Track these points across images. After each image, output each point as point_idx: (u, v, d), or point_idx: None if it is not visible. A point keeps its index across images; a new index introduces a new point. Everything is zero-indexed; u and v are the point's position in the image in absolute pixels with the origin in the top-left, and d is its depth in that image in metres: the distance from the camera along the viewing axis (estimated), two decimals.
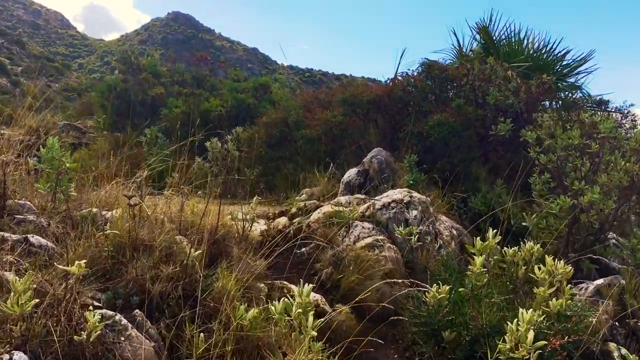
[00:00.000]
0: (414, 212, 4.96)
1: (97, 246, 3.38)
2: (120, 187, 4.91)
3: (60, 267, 2.78)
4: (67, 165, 4.14)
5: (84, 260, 2.79)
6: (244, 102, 10.78)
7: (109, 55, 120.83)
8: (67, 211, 3.89)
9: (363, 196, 5.51)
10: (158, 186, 9.61)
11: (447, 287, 3.71)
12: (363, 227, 4.84)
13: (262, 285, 4.04)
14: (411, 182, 5.56)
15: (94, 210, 4.17)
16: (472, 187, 5.95)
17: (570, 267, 3.77)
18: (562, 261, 3.76)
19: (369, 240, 4.69)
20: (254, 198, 4.46)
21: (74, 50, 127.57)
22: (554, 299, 3.54)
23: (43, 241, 3.47)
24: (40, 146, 4.47)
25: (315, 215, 5.04)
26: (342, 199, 5.55)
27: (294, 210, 5.37)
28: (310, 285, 3.09)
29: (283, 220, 5.09)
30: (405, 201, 5.02)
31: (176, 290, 3.21)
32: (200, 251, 3.42)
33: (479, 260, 3.83)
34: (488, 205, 5.83)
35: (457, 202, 5.68)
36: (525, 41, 7.97)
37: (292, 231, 4.92)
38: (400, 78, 6.95)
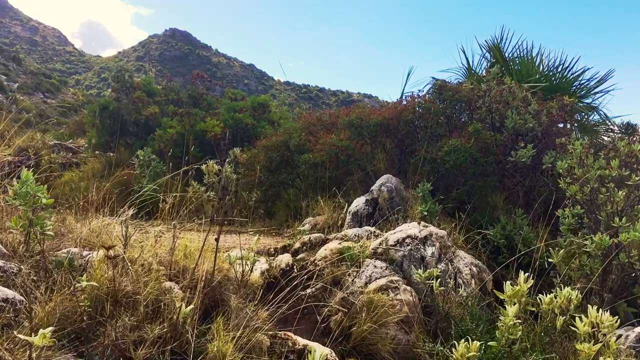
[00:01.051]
0: (431, 249, 4.49)
1: (71, 300, 2.89)
2: (105, 221, 4.44)
3: (21, 336, 2.29)
4: (44, 201, 3.64)
5: (51, 327, 2.30)
6: (241, 122, 10.35)
7: (106, 71, 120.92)
8: (41, 254, 3.39)
9: (373, 229, 5.04)
10: (150, 212, 9.06)
11: (478, 344, 3.23)
12: (375, 266, 4.36)
13: (264, 337, 3.54)
14: (425, 212, 5.09)
15: (74, 250, 3.68)
16: (489, 217, 5.49)
17: (617, 318, 3.30)
18: (607, 312, 3.29)
19: (382, 281, 4.20)
20: (255, 238, 3.96)
21: (71, 66, 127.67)
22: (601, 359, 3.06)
23: (10, 293, 2.97)
24: (15, 178, 4.00)
25: (321, 252, 4.56)
26: (350, 231, 5.07)
27: (297, 245, 4.88)
28: (325, 350, 2.61)
29: (286, 257, 4.60)
30: (421, 237, 4.54)
31: (163, 355, 2.71)
32: (192, 306, 2.93)
33: (511, 310, 3.35)
34: (507, 238, 5.37)
35: (475, 234, 5.21)
36: (539, 59, 7.58)
37: (296, 270, 4.43)
38: (408, 98, 6.53)
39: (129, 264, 3.16)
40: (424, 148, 5.65)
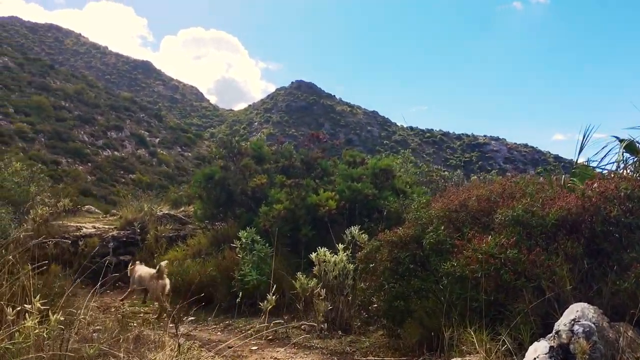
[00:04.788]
0: None
1: None
2: None
3: None
4: None
5: None
6: (360, 193, 8.69)
7: (237, 123, 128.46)
8: None
9: None
10: (254, 304, 7.46)
11: None
12: None
13: None
14: None
15: None
16: None
17: None
18: None
19: None
20: None
21: (206, 120, 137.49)
22: None
23: None
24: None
25: None
26: None
27: None
28: None
29: None
30: None
31: None
32: None
33: None
34: None
35: None
36: None
37: None
38: (603, 175, 4.39)
39: None
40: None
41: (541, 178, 7.46)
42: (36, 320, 3.79)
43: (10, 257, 7.87)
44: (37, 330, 3.71)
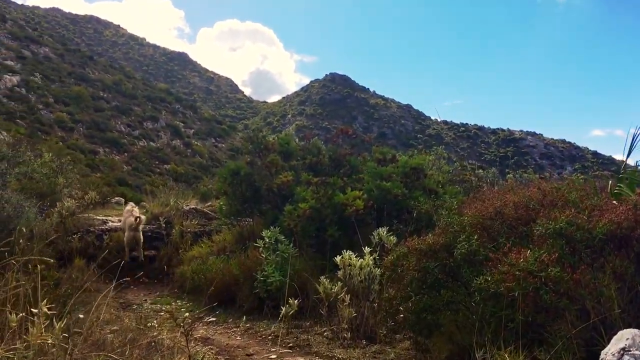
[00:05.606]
0: None
1: None
2: None
3: None
4: None
5: None
6: (389, 193, 8.31)
7: (271, 115, 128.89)
8: None
9: None
10: (278, 306, 7.30)
11: None
12: None
13: None
14: None
15: None
16: None
17: None
18: None
19: None
20: None
21: (240, 112, 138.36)
22: None
23: None
24: None
25: None
26: None
27: None
28: None
29: None
30: None
31: None
32: None
33: None
34: None
35: None
36: None
37: None
38: None
39: None
40: None
41: (583, 181, 6.96)
42: (42, 328, 3.60)
43: (34, 251, 7.83)
44: (40, 340, 3.52)
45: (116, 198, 15.17)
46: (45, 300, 3.85)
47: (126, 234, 9.52)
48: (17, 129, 43.49)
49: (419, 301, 4.84)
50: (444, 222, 5.10)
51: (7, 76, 53.89)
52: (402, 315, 5.47)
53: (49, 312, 3.78)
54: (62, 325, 3.70)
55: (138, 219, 9.50)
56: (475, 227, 4.85)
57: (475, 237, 4.59)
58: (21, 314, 3.74)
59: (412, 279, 4.93)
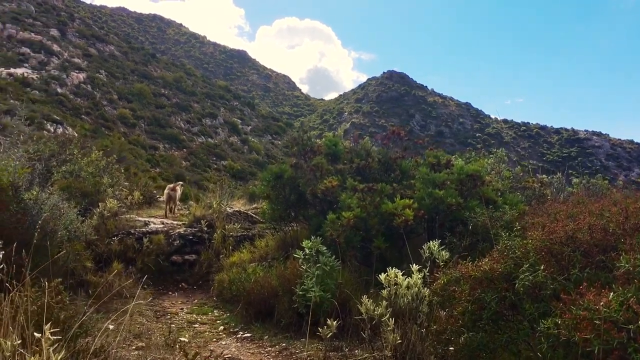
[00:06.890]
0: None
1: None
2: None
3: None
4: None
5: None
6: (443, 202, 7.58)
7: (327, 113, 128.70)
8: None
9: None
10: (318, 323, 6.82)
11: None
12: None
13: None
14: None
15: None
16: None
17: None
18: None
19: None
20: None
21: (297, 109, 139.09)
22: None
23: None
24: None
25: None
26: None
27: None
28: None
29: None
30: None
31: None
32: None
33: None
34: None
35: None
36: None
37: None
38: None
39: None
40: None
41: None
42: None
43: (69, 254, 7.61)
44: None
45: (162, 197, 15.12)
46: (49, 324, 3.44)
47: (165, 192, 12.92)
48: (82, 124, 45.21)
49: (473, 338, 4.15)
50: (503, 245, 4.37)
51: (74, 73, 56.16)
52: (452, 348, 4.79)
53: (52, 338, 3.36)
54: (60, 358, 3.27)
55: (174, 184, 13.21)
56: (541, 252, 4.10)
57: (542, 267, 3.86)
58: (17, 342, 3.36)
59: (464, 311, 4.25)
